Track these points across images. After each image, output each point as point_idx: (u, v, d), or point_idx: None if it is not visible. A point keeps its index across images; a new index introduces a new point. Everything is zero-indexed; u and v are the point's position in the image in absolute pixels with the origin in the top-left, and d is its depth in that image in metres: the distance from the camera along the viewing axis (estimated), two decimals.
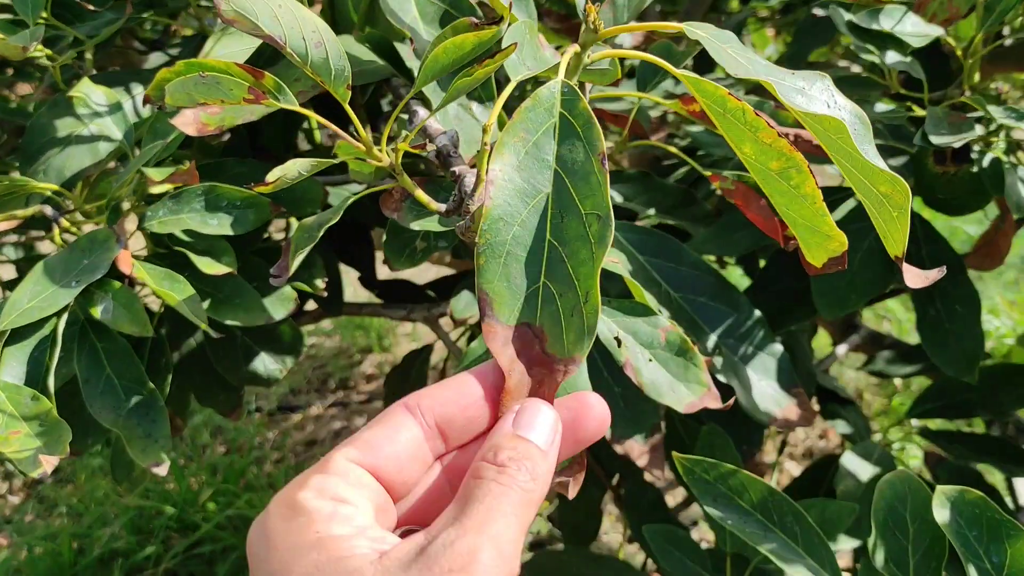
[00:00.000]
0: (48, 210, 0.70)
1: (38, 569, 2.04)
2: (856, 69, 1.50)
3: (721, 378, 0.73)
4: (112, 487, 2.34)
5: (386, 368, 3.11)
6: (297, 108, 0.49)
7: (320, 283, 0.80)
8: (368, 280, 1.04)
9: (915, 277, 0.37)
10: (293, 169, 0.47)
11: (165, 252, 0.73)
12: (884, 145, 0.83)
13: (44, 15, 0.79)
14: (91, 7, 0.81)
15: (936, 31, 0.71)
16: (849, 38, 0.72)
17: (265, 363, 0.83)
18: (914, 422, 1.17)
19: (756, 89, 1.32)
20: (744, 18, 1.65)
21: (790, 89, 0.35)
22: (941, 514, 0.56)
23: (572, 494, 0.51)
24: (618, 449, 0.73)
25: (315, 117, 0.50)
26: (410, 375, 1.11)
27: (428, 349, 1.13)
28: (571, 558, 0.98)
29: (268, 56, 0.73)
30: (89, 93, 0.70)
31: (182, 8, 0.98)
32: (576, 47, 0.42)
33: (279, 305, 0.72)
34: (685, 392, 0.58)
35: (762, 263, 1.03)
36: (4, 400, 0.57)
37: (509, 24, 0.46)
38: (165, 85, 0.50)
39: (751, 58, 0.38)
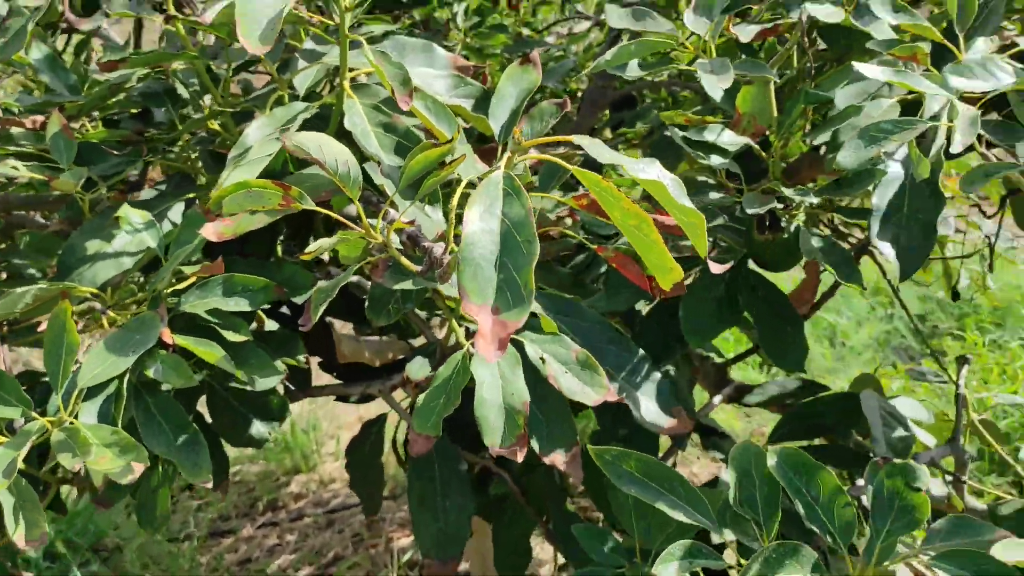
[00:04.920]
0: (97, 305, 0.90)
1: None
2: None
3: (622, 397, 0.97)
4: None
5: (312, 487, 3.22)
6: (314, 207, 0.73)
7: (302, 358, 1.01)
8: (329, 364, 1.25)
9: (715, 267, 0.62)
10: (327, 244, 0.71)
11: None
12: (725, 225, 1.13)
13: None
14: (114, 152, 1.04)
15: (745, 140, 1.00)
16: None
17: (258, 428, 1.03)
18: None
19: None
20: (616, 143, 2.00)
21: (635, 168, 0.62)
22: (772, 465, 0.80)
23: (520, 458, 0.73)
24: (545, 460, 0.95)
25: (328, 212, 0.73)
26: (367, 440, 1.31)
27: (383, 417, 1.33)
28: None
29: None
30: (130, 215, 0.92)
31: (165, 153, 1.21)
32: (509, 154, 0.68)
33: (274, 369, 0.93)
34: (591, 393, 0.82)
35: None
36: (92, 436, 0.76)
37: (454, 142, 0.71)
38: (222, 199, 0.73)
39: (613, 154, 0.64)
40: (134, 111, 1.25)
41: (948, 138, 0.83)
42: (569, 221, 1.14)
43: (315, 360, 1.26)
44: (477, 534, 1.63)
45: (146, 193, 1.21)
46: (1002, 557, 0.68)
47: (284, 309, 1.22)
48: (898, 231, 0.89)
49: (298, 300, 1.03)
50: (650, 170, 0.62)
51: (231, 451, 2.82)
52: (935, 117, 0.84)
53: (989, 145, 0.90)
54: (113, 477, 0.73)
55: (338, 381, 1.26)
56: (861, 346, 3.41)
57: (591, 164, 1.04)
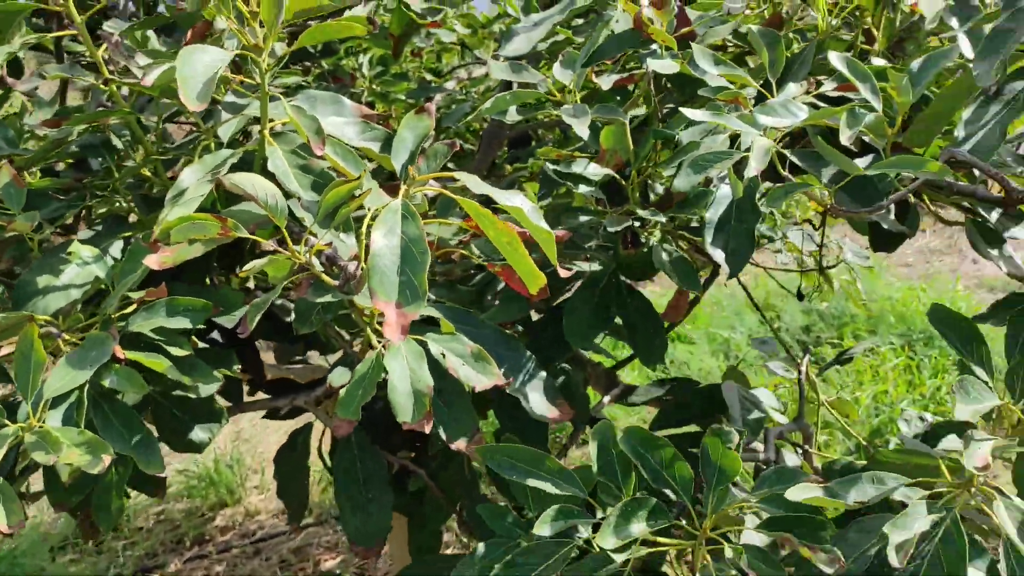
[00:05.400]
0: (53, 330, 1.04)
1: None
2: None
3: (511, 392, 1.14)
4: None
5: (238, 519, 3.29)
6: (247, 235, 0.89)
7: (237, 368, 1.16)
8: (257, 383, 1.39)
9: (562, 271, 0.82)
10: (259, 264, 0.87)
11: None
12: (600, 245, 1.32)
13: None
14: (60, 196, 1.18)
15: (608, 171, 1.20)
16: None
17: (198, 433, 1.17)
18: None
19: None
20: (516, 176, 2.19)
21: (502, 197, 0.80)
22: (621, 441, 0.99)
23: (427, 429, 0.90)
24: (452, 446, 1.11)
25: (257, 239, 0.90)
26: (295, 448, 1.45)
27: (309, 426, 1.47)
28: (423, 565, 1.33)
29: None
30: (80, 250, 1.06)
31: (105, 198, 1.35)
32: (406, 187, 0.85)
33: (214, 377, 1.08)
34: (484, 379, 0.99)
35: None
36: (61, 436, 0.90)
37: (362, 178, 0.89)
38: (169, 230, 0.89)
39: (487, 187, 0.83)
40: (69, 161, 1.38)
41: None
42: (476, 250, 1.32)
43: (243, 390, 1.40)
44: (399, 527, 1.78)
45: (83, 234, 1.34)
46: (791, 497, 0.88)
47: (215, 335, 1.36)
48: (727, 239, 1.09)
49: (228, 325, 1.18)
50: (514, 199, 0.81)
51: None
52: (750, 148, 1.05)
53: (795, 169, 1.11)
54: (84, 468, 0.87)
55: (267, 396, 1.40)
56: (752, 358, 3.69)
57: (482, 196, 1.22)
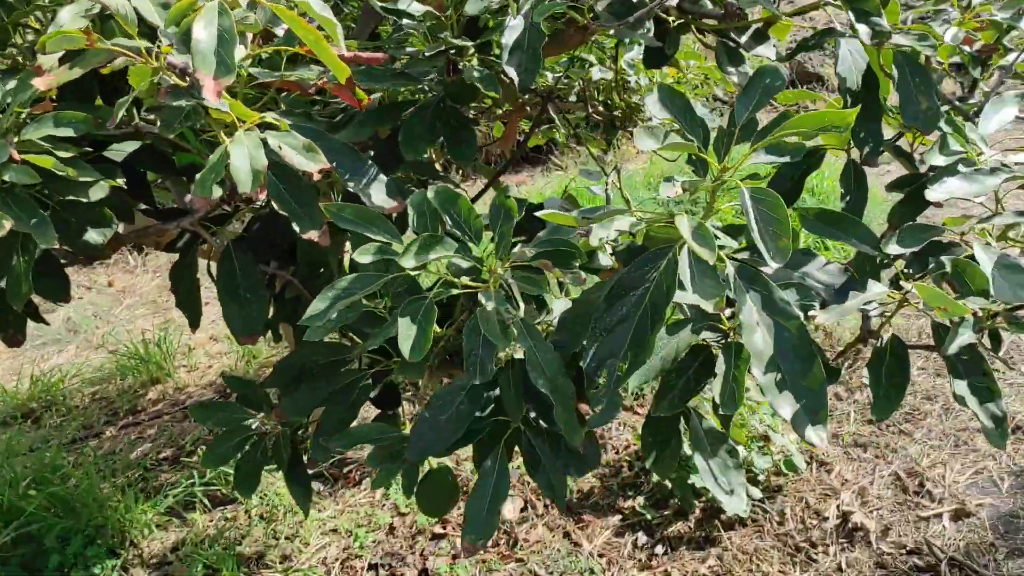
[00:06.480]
0: None
1: None
2: None
3: (355, 191, 1.40)
4: None
5: (170, 393, 3.54)
6: (108, 46, 1.12)
7: (121, 181, 1.39)
8: (150, 211, 1.62)
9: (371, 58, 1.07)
10: (118, 64, 1.10)
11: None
12: (437, 79, 1.57)
13: None
14: None
15: (427, 8, 1.44)
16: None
17: (92, 235, 1.40)
18: None
19: None
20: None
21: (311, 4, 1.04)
22: (431, 197, 1.26)
23: (262, 196, 1.15)
24: (304, 236, 1.37)
25: (116, 49, 1.12)
26: (185, 262, 1.70)
27: (193, 244, 1.73)
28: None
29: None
30: None
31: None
32: None
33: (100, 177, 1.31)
34: (314, 165, 1.23)
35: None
36: None
37: None
38: (47, 43, 1.11)
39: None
40: None
41: None
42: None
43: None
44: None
45: None
46: (540, 215, 1.16)
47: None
48: (520, 59, 1.35)
49: (117, 158, 1.40)
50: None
51: (88, 373, 3.19)
52: None
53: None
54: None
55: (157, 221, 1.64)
56: None
57: None
